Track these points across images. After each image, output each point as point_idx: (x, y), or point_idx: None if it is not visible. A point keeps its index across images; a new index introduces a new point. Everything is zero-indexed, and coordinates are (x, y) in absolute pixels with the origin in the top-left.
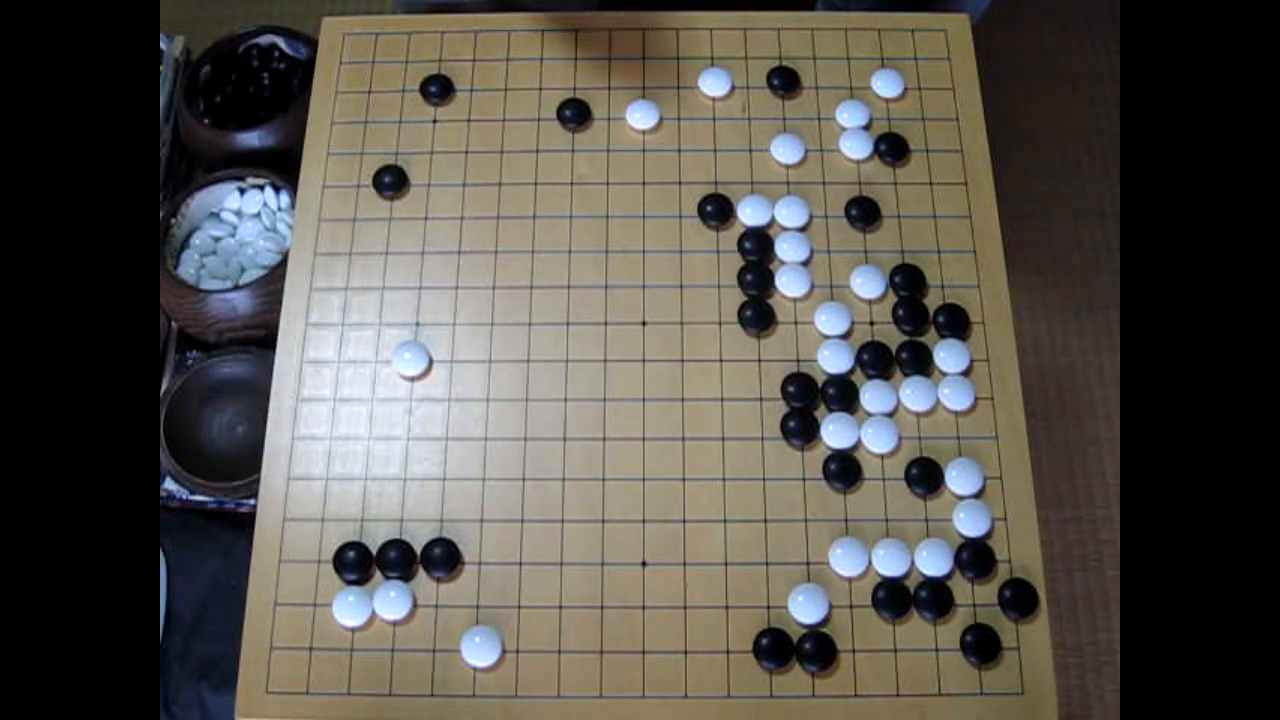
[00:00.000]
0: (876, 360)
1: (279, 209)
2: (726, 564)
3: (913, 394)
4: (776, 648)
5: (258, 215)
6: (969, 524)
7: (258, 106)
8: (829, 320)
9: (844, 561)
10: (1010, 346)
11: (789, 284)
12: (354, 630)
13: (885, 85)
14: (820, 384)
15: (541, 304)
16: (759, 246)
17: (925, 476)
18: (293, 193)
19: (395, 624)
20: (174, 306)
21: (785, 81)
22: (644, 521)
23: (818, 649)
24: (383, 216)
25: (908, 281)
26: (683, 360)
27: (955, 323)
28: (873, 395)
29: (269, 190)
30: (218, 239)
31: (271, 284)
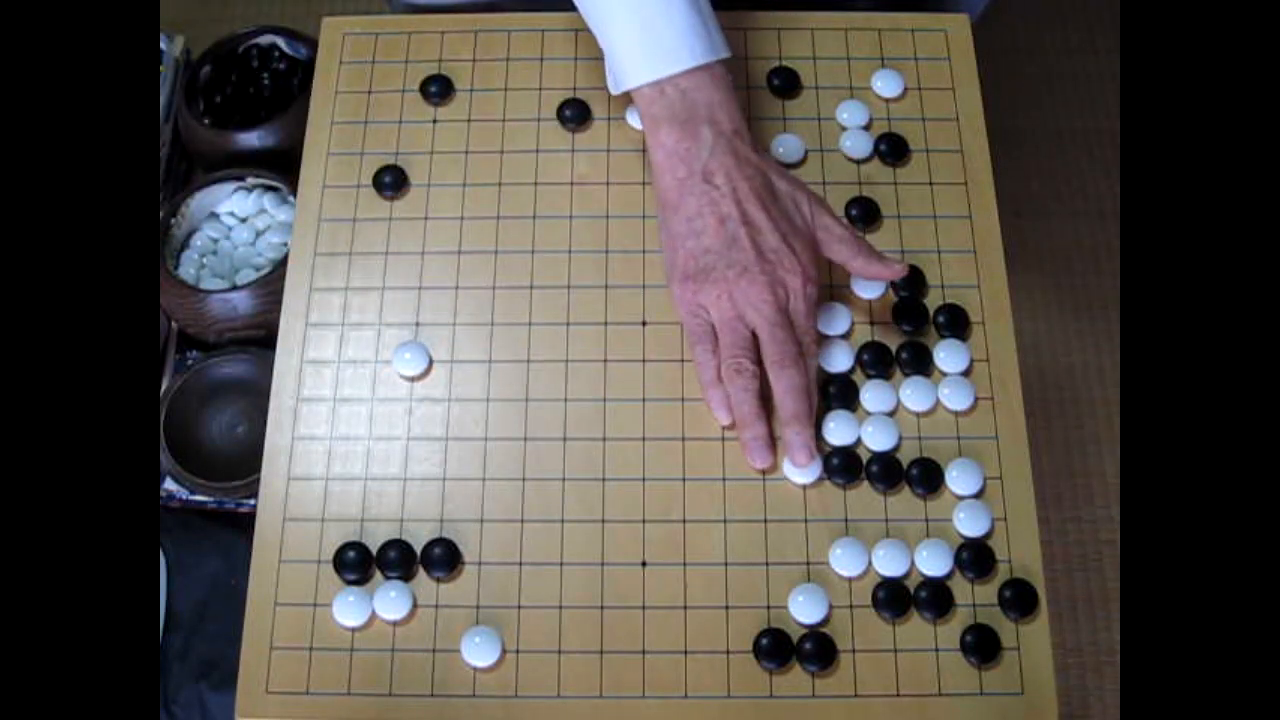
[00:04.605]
0: (876, 360)
1: (277, 209)
2: (726, 564)
3: (913, 394)
4: (776, 648)
5: (256, 216)
6: (969, 524)
7: (258, 106)
8: (829, 320)
9: (844, 561)
10: (1010, 346)
11: None
12: (354, 630)
13: (885, 85)
14: (820, 383)
15: (541, 304)
16: None
17: (925, 476)
18: (292, 193)
19: (395, 624)
20: (174, 306)
21: (785, 81)
22: (644, 521)
23: (818, 649)
24: (383, 216)
25: (908, 281)
26: (683, 360)
27: (955, 323)
28: (873, 395)
29: (267, 194)
30: (217, 239)
31: (271, 284)
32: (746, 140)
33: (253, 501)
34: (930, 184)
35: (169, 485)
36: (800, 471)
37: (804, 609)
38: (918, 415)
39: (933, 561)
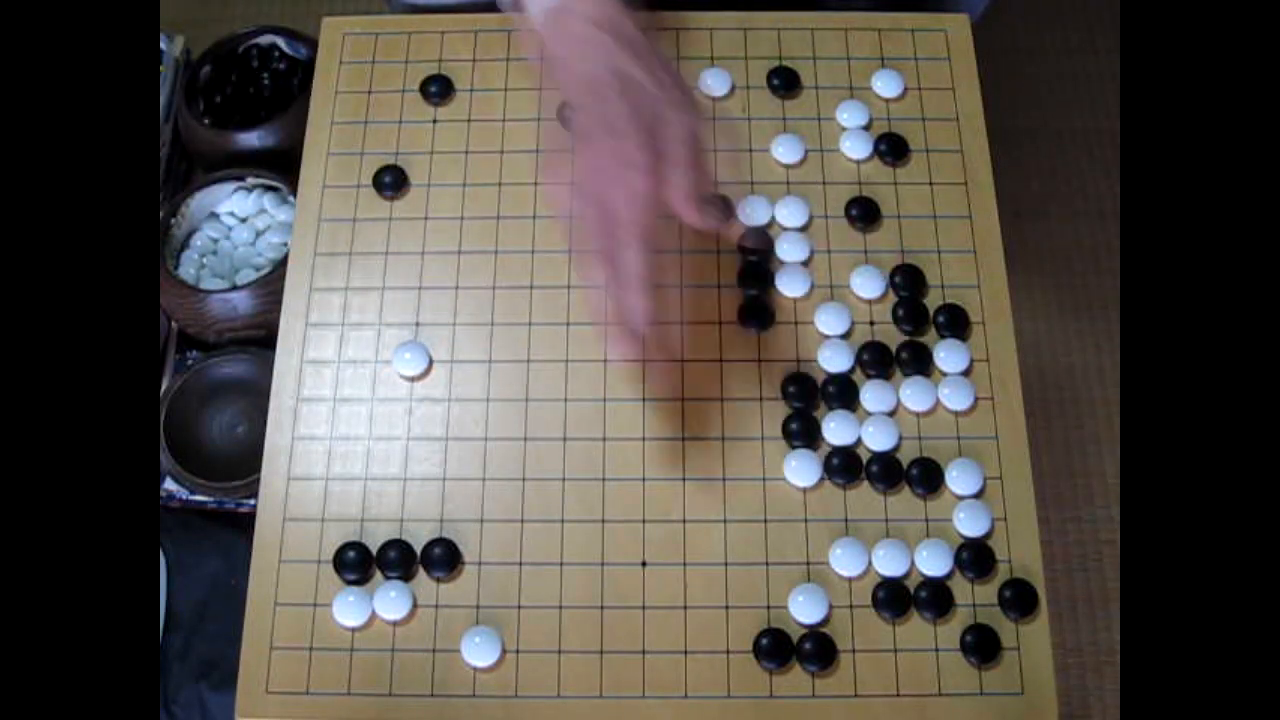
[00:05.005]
0: (876, 360)
1: (277, 209)
2: (726, 564)
3: (913, 394)
4: (776, 648)
5: (256, 216)
6: (969, 524)
7: (258, 106)
8: (829, 320)
9: (844, 561)
10: (1010, 346)
11: (789, 284)
12: (354, 630)
13: (885, 85)
14: (820, 383)
15: (541, 304)
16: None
17: (925, 476)
18: (292, 193)
19: (395, 624)
20: (174, 306)
21: (785, 81)
22: (644, 521)
23: (818, 649)
24: (383, 216)
25: (908, 281)
26: (683, 360)
27: (955, 323)
28: (873, 395)
29: (267, 194)
30: (217, 240)
31: (271, 284)
32: (606, 28)
33: (253, 501)
34: (930, 184)
35: (169, 485)
36: (800, 475)
37: (804, 609)
38: (918, 415)
39: (933, 561)
